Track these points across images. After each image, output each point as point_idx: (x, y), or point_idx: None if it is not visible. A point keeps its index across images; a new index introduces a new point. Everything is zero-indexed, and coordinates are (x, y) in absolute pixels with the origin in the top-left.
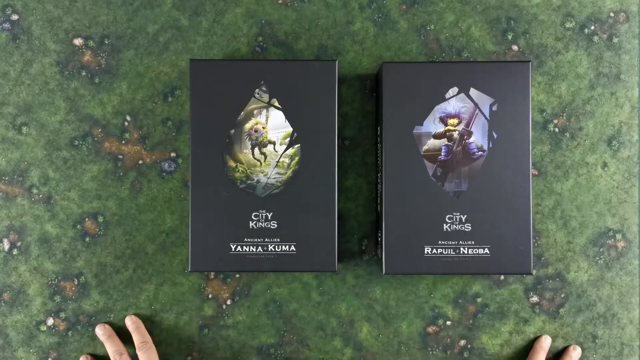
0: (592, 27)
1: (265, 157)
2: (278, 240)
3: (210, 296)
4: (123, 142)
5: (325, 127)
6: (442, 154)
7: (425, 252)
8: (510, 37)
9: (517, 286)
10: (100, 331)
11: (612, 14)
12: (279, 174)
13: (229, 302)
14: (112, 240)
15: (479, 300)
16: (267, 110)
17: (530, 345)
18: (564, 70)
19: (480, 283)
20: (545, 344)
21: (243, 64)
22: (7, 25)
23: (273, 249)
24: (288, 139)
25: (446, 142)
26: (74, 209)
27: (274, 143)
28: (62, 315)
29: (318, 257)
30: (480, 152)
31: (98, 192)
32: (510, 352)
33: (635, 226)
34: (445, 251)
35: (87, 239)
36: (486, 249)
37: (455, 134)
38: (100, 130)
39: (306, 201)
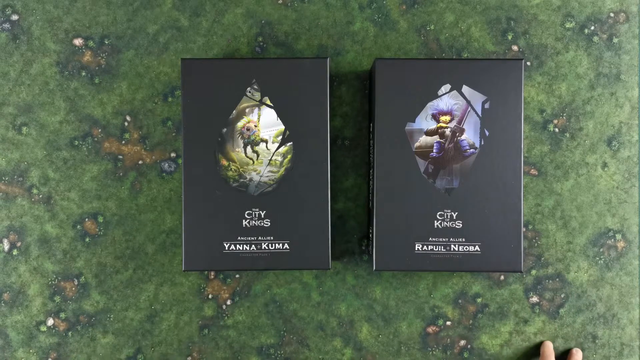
0: (592, 27)
1: (258, 156)
2: (271, 238)
3: (210, 296)
4: (123, 142)
5: (317, 125)
6: (434, 150)
7: (416, 249)
8: (510, 37)
9: (517, 286)
10: None
11: (612, 14)
12: (271, 172)
13: (229, 302)
14: (112, 240)
15: (479, 300)
16: (259, 109)
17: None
18: (564, 70)
19: (480, 283)
20: (551, 349)
21: (234, 63)
22: (7, 25)
23: (266, 247)
24: (280, 137)
25: (438, 139)
26: (74, 209)
27: (266, 141)
28: (62, 315)
29: (311, 255)
30: (472, 150)
31: (98, 192)
32: (510, 352)
33: (635, 226)
34: (435, 248)
35: (87, 239)
36: (477, 246)
37: (447, 131)
38: (100, 130)
39: (299, 199)
